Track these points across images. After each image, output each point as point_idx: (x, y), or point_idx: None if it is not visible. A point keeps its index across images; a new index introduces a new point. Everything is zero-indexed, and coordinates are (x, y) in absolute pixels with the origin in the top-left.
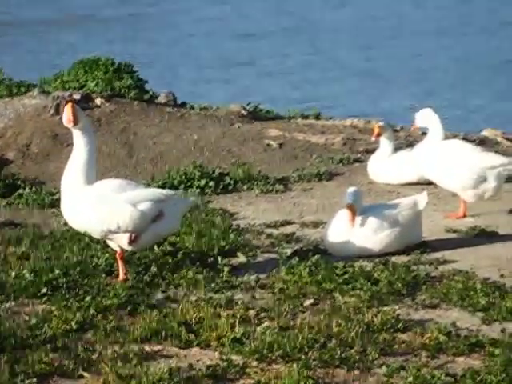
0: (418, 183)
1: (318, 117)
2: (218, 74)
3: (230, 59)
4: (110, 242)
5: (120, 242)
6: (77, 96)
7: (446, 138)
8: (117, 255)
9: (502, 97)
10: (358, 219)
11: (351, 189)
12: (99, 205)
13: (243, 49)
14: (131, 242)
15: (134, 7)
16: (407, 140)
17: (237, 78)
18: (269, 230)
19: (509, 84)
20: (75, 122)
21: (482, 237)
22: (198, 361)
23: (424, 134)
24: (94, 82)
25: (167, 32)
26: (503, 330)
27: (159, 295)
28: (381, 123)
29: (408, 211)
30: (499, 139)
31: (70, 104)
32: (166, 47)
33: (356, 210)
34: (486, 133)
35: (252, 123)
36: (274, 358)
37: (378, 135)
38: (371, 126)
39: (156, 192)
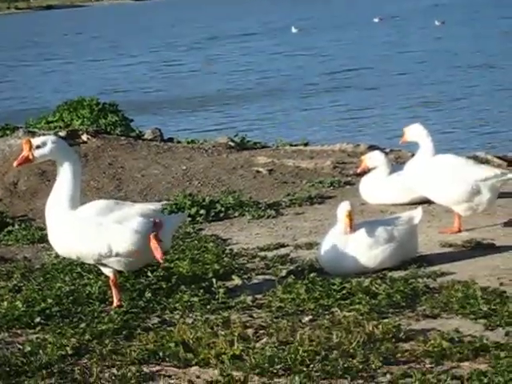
0: (410, 203)
1: (306, 145)
2: None
3: None
4: (103, 268)
5: (114, 266)
6: (62, 133)
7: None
8: (110, 282)
9: None
10: (353, 235)
11: (345, 201)
12: (85, 229)
13: None
14: (157, 227)
15: None
16: (397, 162)
17: None
18: (262, 253)
19: None
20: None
21: (479, 249)
22: (197, 377)
23: (413, 155)
24: (80, 121)
25: None
26: (508, 334)
27: (155, 319)
28: (368, 155)
29: (403, 226)
30: (489, 157)
31: (25, 140)
32: None
33: (353, 218)
34: (477, 153)
35: (240, 152)
36: (275, 371)
37: (363, 170)
38: (360, 150)
39: (144, 208)
